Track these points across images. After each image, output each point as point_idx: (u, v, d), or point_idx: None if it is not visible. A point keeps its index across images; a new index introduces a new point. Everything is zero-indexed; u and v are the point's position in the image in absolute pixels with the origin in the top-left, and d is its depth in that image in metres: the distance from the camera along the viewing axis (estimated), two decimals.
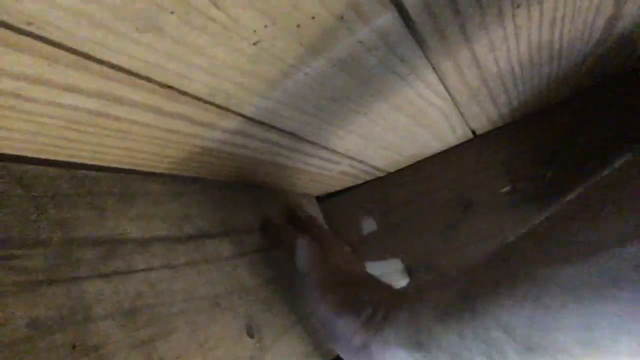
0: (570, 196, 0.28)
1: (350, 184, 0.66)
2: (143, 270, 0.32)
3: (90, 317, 0.27)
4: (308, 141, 0.41)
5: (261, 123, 0.34)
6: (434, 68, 0.35)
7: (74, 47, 0.19)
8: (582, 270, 0.25)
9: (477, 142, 0.61)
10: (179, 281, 0.34)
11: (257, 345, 0.39)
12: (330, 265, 0.44)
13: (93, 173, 0.31)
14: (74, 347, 0.25)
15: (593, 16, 0.35)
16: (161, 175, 0.37)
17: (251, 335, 0.39)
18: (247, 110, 0.31)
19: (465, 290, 0.31)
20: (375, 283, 0.42)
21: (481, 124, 0.56)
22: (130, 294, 0.30)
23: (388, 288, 0.40)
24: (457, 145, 0.62)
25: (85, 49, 0.20)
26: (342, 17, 0.24)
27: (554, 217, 0.28)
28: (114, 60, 0.21)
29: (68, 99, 0.23)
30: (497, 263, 0.30)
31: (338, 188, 0.67)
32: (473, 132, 0.58)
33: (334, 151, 0.47)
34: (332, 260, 0.45)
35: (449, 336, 0.31)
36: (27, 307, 0.24)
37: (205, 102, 0.28)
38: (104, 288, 0.29)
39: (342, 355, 0.39)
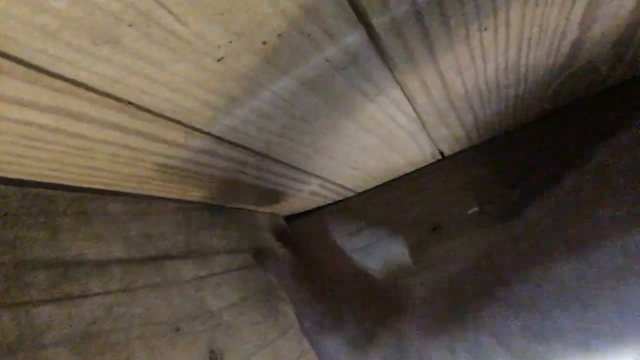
0: (547, 199, 0.27)
1: (320, 204, 0.66)
2: (99, 294, 0.30)
3: (40, 344, 0.25)
4: (277, 160, 0.40)
5: (227, 142, 0.33)
6: (402, 89, 0.35)
7: (25, 59, 0.18)
8: (578, 266, 0.23)
9: (445, 163, 0.61)
10: (138, 305, 0.33)
11: None
12: (312, 281, 0.43)
13: (48, 191, 0.30)
14: None
15: (559, 40, 0.36)
16: (122, 194, 0.35)
17: None
18: (213, 128, 0.30)
19: (453, 302, 0.30)
20: (359, 294, 0.41)
21: (449, 146, 0.56)
22: (85, 320, 0.29)
23: (371, 300, 0.40)
24: (425, 167, 0.62)
25: (37, 61, 0.19)
26: (309, 35, 0.24)
27: (534, 219, 0.27)
28: (69, 74, 0.20)
29: (19, 113, 0.21)
30: (484, 270, 0.29)
31: (307, 208, 0.66)
32: (441, 153, 0.59)
33: (303, 171, 0.46)
34: (315, 276, 0.44)
35: (439, 352, 0.30)
36: None
37: (168, 119, 0.27)
38: (56, 313, 0.27)
39: None
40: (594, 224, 0.23)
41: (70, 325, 0.28)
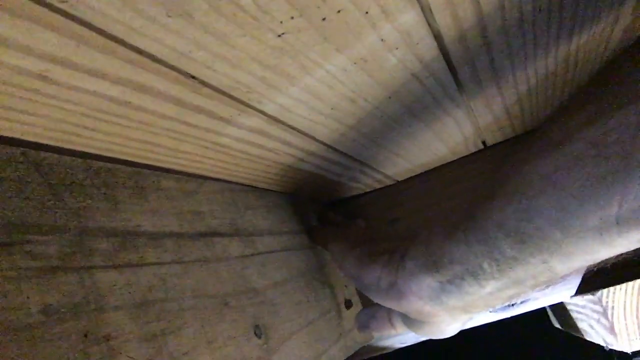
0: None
1: (359, 192, 0.66)
2: (154, 264, 0.32)
3: (102, 307, 0.27)
4: (321, 142, 0.41)
5: (278, 121, 0.34)
6: (452, 73, 0.35)
7: (104, 28, 0.19)
8: (553, 158, 0.29)
9: (486, 153, 0.61)
10: (189, 277, 0.34)
11: (265, 346, 0.39)
12: (351, 236, 0.49)
13: (108, 165, 0.31)
14: (85, 335, 0.25)
15: (611, 26, 0.35)
16: (175, 171, 0.37)
17: (258, 336, 0.39)
18: (265, 107, 0.31)
19: (468, 207, 0.35)
20: (392, 236, 0.47)
21: (492, 135, 0.56)
22: (142, 287, 0.30)
23: (402, 237, 0.44)
24: (466, 156, 0.62)
25: (114, 31, 0.20)
26: (367, 12, 0.24)
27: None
28: (142, 45, 0.21)
29: (92, 84, 0.23)
30: (494, 176, 0.35)
31: (346, 195, 0.66)
32: (483, 142, 0.58)
33: (346, 155, 0.47)
34: (353, 233, 0.50)
35: (458, 247, 0.34)
36: (41, 293, 0.24)
37: (226, 95, 0.28)
38: (117, 279, 0.28)
39: (380, 302, 0.42)
40: None
41: (129, 292, 0.29)
